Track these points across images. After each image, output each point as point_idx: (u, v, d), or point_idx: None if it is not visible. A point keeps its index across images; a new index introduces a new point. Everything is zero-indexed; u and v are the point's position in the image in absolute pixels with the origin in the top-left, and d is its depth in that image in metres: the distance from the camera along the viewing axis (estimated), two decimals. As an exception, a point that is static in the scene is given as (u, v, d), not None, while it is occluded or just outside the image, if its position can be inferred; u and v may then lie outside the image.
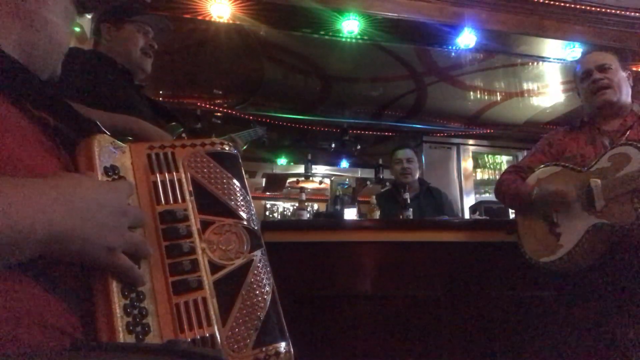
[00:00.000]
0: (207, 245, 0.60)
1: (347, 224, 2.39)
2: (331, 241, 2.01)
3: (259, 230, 0.66)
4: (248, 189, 0.68)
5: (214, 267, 0.59)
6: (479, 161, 5.41)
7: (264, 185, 5.89)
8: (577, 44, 3.39)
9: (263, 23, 3.12)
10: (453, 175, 5.06)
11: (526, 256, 1.68)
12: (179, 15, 2.97)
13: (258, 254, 0.63)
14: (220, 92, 4.41)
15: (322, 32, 3.23)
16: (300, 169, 5.51)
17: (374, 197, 2.63)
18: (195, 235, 0.60)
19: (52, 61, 0.64)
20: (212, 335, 0.54)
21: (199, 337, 0.54)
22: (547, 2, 3.21)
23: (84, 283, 0.51)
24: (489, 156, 5.47)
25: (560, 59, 3.66)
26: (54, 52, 0.64)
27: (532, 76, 4.14)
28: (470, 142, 5.26)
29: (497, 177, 2.62)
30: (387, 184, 3.53)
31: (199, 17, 3.02)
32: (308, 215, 3.07)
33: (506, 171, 1.93)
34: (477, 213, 3.27)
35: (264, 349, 0.56)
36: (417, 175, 2.93)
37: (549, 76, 4.14)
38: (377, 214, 2.52)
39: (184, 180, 0.63)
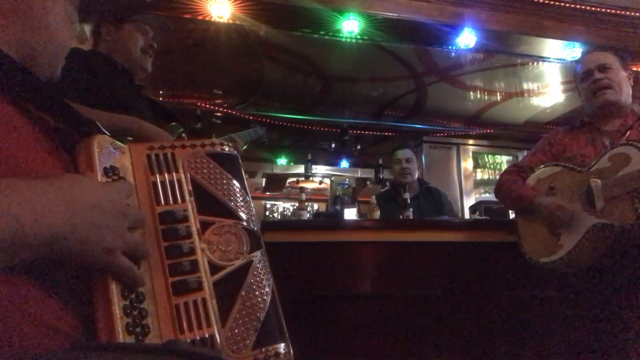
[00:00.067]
0: (207, 245, 0.60)
1: (347, 224, 2.39)
2: (331, 241, 2.01)
3: (259, 231, 0.66)
4: (248, 189, 0.68)
5: (214, 268, 0.59)
6: (479, 161, 5.41)
7: (264, 185, 5.89)
8: (577, 44, 3.39)
9: (263, 23, 3.12)
10: (453, 175, 5.06)
11: (526, 256, 1.68)
12: (179, 15, 2.97)
13: (258, 254, 0.63)
14: (220, 92, 4.41)
15: (322, 32, 3.23)
16: (300, 169, 5.51)
17: (374, 197, 2.63)
18: (195, 235, 0.60)
19: (51, 63, 0.64)
20: (212, 336, 0.54)
21: (198, 338, 0.54)
22: (547, 2, 3.20)
23: (84, 284, 0.51)
24: (489, 156, 5.47)
25: (560, 59, 3.66)
26: (53, 53, 0.64)
27: (532, 76, 4.14)
28: (470, 142, 5.26)
29: (497, 177, 2.62)
30: (387, 184, 3.53)
31: (199, 17, 3.02)
32: (308, 215, 3.07)
33: (506, 171, 1.92)
34: (477, 213, 3.28)
35: (263, 349, 0.56)
36: (417, 176, 2.93)
37: (549, 76, 4.13)
38: (377, 214, 2.52)
39: (183, 180, 0.63)
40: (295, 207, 5.54)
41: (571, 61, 3.53)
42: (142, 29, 1.53)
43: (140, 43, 1.51)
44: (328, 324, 1.87)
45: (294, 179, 5.71)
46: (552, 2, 3.21)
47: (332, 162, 5.96)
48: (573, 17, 3.29)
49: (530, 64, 3.89)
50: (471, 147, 5.24)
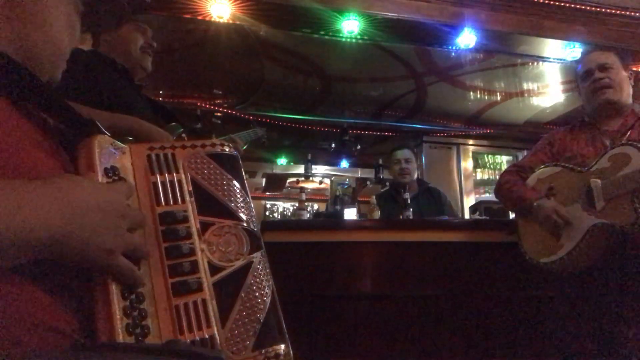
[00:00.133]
0: (207, 246, 0.60)
1: (347, 224, 2.39)
2: (331, 241, 2.01)
3: (259, 231, 0.66)
4: (248, 190, 0.68)
5: (214, 269, 0.59)
6: (479, 161, 5.41)
7: (264, 185, 5.89)
8: (577, 44, 3.39)
9: (263, 23, 3.12)
10: (453, 175, 5.06)
11: (526, 256, 1.68)
12: (179, 15, 2.97)
13: (258, 255, 0.63)
14: (220, 92, 4.41)
15: (322, 32, 3.23)
16: (300, 169, 5.50)
17: (374, 197, 2.63)
18: (195, 236, 0.60)
19: (52, 64, 0.64)
20: (212, 337, 0.54)
21: (198, 339, 0.54)
22: (547, 2, 3.20)
23: (84, 285, 0.51)
24: (489, 156, 5.47)
25: (560, 59, 3.66)
26: (53, 56, 0.64)
27: (532, 76, 4.14)
28: (470, 142, 5.26)
29: (497, 177, 2.62)
30: (387, 184, 3.53)
31: (199, 17, 3.02)
32: (308, 215, 3.07)
33: (506, 171, 1.92)
34: (477, 213, 3.28)
35: (263, 351, 0.56)
36: (416, 176, 2.94)
37: (549, 76, 4.13)
38: (377, 214, 2.52)
39: (184, 181, 0.63)
40: (295, 207, 5.54)
41: (571, 61, 3.54)
42: (141, 29, 1.53)
43: (139, 42, 1.51)
44: (328, 324, 1.87)
45: (294, 179, 5.71)
46: (552, 2, 3.21)
47: (332, 162, 5.96)
48: (573, 17, 3.29)
49: (530, 64, 3.89)
50: (471, 147, 5.25)
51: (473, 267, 1.99)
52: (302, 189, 3.29)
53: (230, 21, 3.07)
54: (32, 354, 0.43)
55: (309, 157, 5.23)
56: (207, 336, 0.54)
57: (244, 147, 1.87)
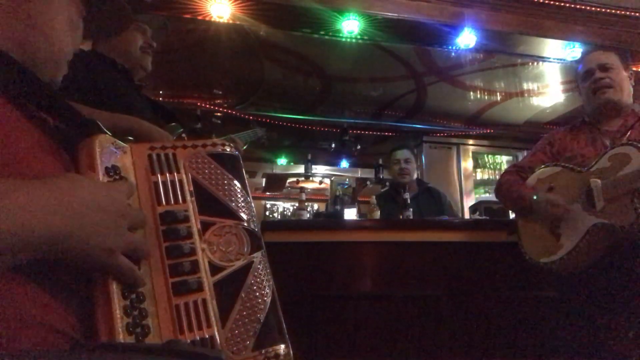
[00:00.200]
0: (208, 246, 0.60)
1: (347, 224, 2.39)
2: (331, 241, 2.01)
3: (259, 231, 0.66)
4: (249, 190, 0.68)
5: (214, 269, 0.59)
6: (479, 161, 5.41)
7: (264, 185, 5.88)
8: (577, 44, 3.39)
9: (263, 23, 3.12)
10: (453, 175, 5.06)
11: (526, 256, 1.68)
12: (179, 15, 2.97)
13: (258, 255, 0.63)
14: (220, 92, 4.41)
15: (322, 32, 3.23)
16: (300, 169, 5.50)
17: (374, 197, 2.63)
18: (196, 236, 0.60)
19: (53, 66, 0.64)
20: (212, 337, 0.54)
21: (198, 339, 0.53)
22: (547, 2, 3.20)
23: (84, 284, 0.51)
24: (489, 156, 5.47)
25: (560, 59, 3.65)
26: (54, 58, 0.64)
27: (532, 76, 4.14)
28: (470, 142, 5.26)
29: (497, 177, 2.62)
30: (387, 184, 3.53)
31: (199, 17, 3.02)
32: (308, 215, 3.07)
33: (507, 171, 1.92)
34: (477, 213, 3.28)
35: (263, 351, 0.56)
36: (415, 176, 2.94)
37: (549, 76, 4.13)
38: (377, 214, 2.52)
39: (184, 181, 0.63)
40: (295, 207, 5.53)
41: (571, 61, 3.53)
42: (140, 28, 1.53)
43: (139, 42, 1.52)
44: (328, 324, 1.87)
45: (294, 179, 5.70)
46: (552, 2, 3.21)
47: (332, 162, 5.96)
48: (573, 17, 3.29)
49: (530, 64, 3.89)
50: (471, 147, 5.24)
51: (473, 267, 2.00)
52: (302, 189, 3.29)
53: (230, 21, 3.07)
54: (32, 354, 0.43)
55: (309, 157, 5.23)
56: (207, 336, 0.54)
57: (244, 147, 1.87)
